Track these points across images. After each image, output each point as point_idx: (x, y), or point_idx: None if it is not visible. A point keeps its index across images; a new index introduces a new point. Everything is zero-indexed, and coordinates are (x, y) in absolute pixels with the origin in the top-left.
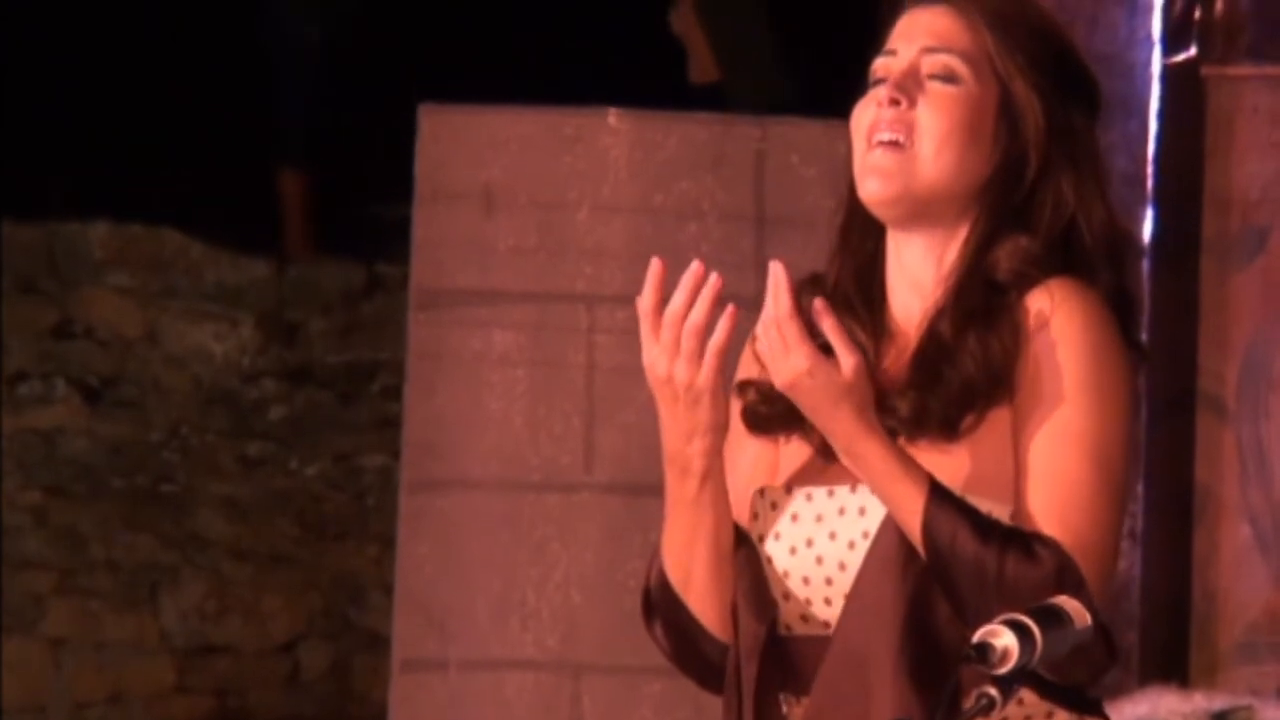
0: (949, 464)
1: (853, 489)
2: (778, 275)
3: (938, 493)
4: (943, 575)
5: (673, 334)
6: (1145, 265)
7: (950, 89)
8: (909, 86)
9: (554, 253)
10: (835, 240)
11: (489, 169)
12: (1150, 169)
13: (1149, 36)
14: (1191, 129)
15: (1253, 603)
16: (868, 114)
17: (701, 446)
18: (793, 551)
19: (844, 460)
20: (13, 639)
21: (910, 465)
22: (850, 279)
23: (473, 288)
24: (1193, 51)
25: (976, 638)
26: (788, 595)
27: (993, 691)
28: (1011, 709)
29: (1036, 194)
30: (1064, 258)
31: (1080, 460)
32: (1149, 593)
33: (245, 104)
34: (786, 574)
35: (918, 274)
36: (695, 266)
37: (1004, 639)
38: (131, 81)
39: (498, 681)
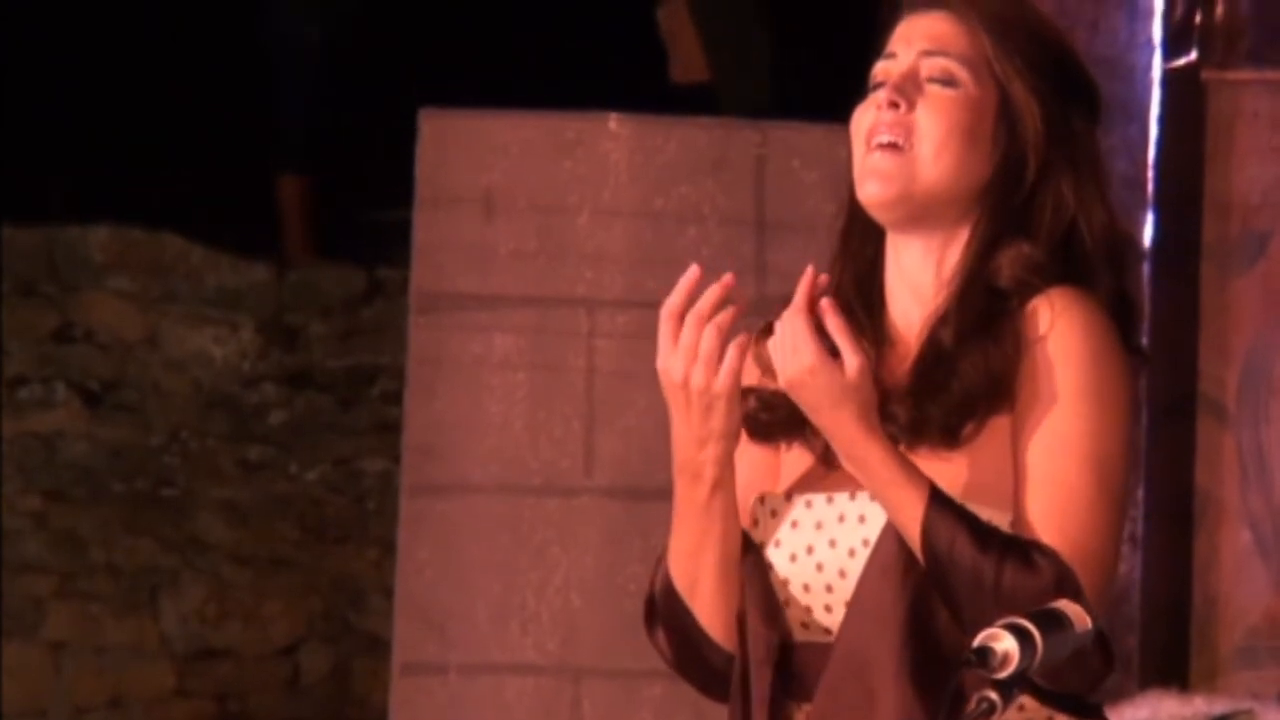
0: (949, 471)
1: (852, 496)
2: (808, 276)
3: (938, 499)
4: (941, 582)
5: (694, 336)
6: (1146, 270)
7: (949, 92)
8: (908, 90)
9: (554, 257)
10: (835, 245)
11: (489, 173)
12: (1150, 173)
13: (1149, 41)
14: (1192, 133)
15: (1253, 607)
16: (867, 117)
17: (713, 454)
18: (793, 558)
19: (844, 463)
20: (13, 643)
21: (911, 471)
22: (850, 284)
23: (473, 292)
24: (1193, 56)
25: (977, 642)
26: (788, 602)
27: (993, 695)
28: (1012, 713)
29: (1036, 197)
30: (1065, 263)
31: (1079, 468)
32: (1149, 597)
33: (245, 107)
34: (787, 581)
35: (917, 279)
36: (693, 270)
37: (1004, 643)
38: (131, 84)
39: (498, 685)
